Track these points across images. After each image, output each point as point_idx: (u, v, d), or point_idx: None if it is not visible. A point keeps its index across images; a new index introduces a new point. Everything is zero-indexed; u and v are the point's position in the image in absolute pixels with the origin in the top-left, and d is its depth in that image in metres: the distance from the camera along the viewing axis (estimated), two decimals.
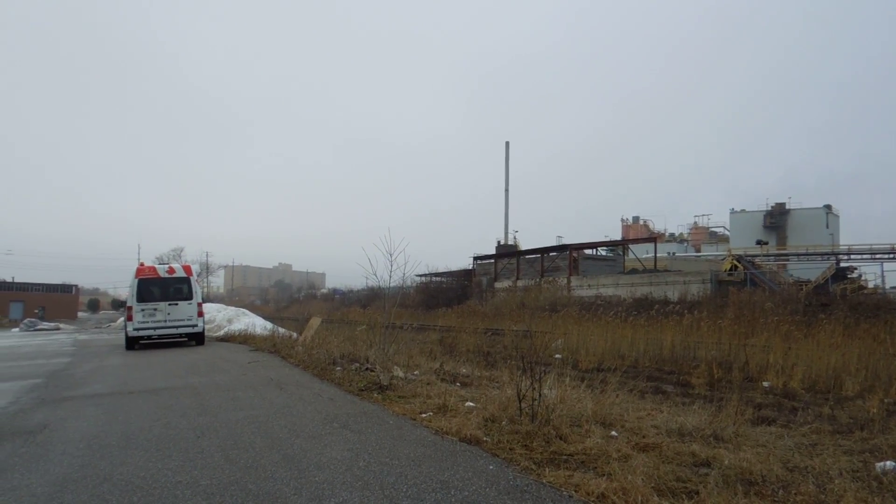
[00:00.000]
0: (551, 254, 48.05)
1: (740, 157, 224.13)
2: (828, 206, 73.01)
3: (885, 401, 8.90)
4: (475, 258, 57.22)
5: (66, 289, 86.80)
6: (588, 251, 50.15)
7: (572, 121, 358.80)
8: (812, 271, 48.42)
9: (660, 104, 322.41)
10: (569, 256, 45.49)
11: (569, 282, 42.30)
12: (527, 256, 51.05)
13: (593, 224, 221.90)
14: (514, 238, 69.91)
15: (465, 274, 57.17)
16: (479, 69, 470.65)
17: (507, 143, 71.38)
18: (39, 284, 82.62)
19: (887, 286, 38.43)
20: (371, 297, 53.95)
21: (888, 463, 4.65)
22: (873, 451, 5.41)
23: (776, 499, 3.87)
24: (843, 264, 48.74)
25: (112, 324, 50.75)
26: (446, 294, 51.34)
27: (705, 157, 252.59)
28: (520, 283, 46.20)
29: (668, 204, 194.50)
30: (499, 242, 66.56)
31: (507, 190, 70.43)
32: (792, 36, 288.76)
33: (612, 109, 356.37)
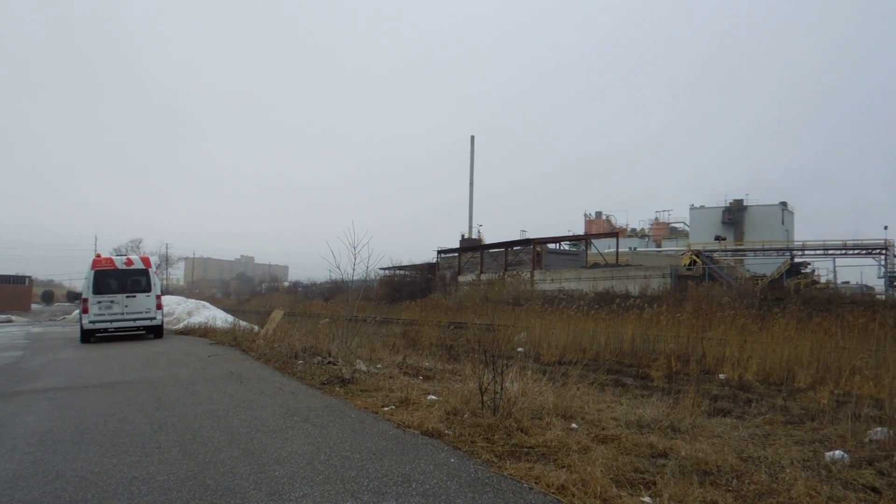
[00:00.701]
0: (515, 248, 48.38)
1: (705, 153, 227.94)
2: (783, 203, 74.85)
3: (835, 392, 9.18)
4: (439, 252, 57.33)
5: (18, 280, 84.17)
6: (551, 245, 50.62)
7: (546, 116, 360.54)
8: (768, 266, 49.76)
9: (625, 101, 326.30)
10: (532, 250, 45.84)
11: (532, 276, 42.65)
12: (491, 250, 51.32)
13: (556, 218, 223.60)
14: (478, 232, 70.31)
15: (429, 267, 57.22)
16: (435, 59, 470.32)
17: (472, 138, 71.80)
18: None
19: (839, 281, 39.74)
20: (334, 291, 53.67)
21: (837, 452, 4.79)
22: (823, 440, 5.57)
23: (730, 488, 3.96)
24: (797, 260, 50.21)
25: (67, 316, 49.43)
26: (410, 287, 51.33)
27: (670, 154, 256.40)
28: (483, 277, 46.44)
29: (632, 200, 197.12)
30: (462, 236, 66.86)
31: (471, 184, 70.78)
32: (760, 33, 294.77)
33: (588, 107, 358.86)
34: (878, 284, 45.96)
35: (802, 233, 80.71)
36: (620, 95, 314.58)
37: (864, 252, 54.83)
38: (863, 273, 52.61)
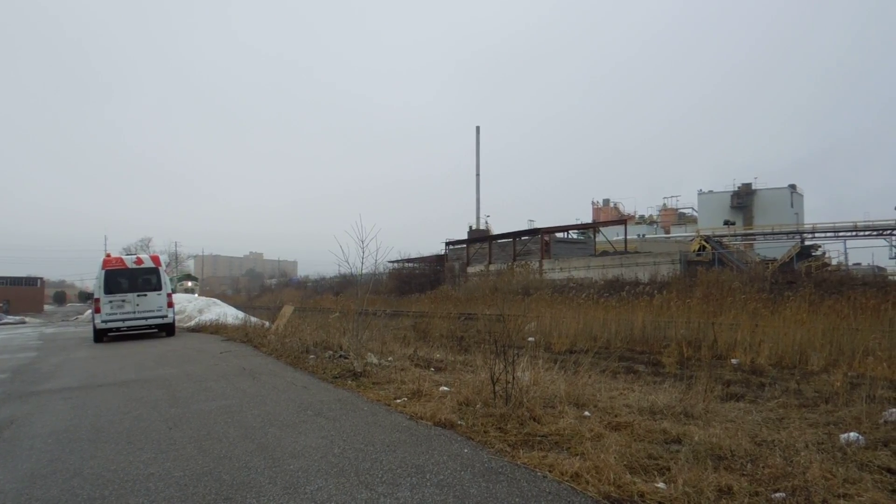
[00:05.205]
0: (523, 238, 48.29)
1: (731, 146, 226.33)
2: (792, 186, 74.36)
3: (849, 374, 9.12)
4: (447, 243, 57.27)
5: (30, 281, 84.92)
6: (559, 234, 50.50)
7: (551, 100, 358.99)
8: (778, 250, 49.39)
9: (637, 86, 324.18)
10: (541, 240, 45.75)
11: (541, 265, 42.60)
12: (499, 241, 51.24)
13: (563, 207, 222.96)
14: (486, 223, 70.29)
15: (438, 259, 57.24)
16: (461, 49, 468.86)
17: (478, 128, 71.50)
18: (3, 277, 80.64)
19: (850, 263, 39.49)
20: (344, 285, 53.77)
21: (852, 434, 4.78)
22: (837, 423, 5.55)
23: (745, 472, 3.95)
24: (807, 243, 49.83)
25: (79, 316, 49.83)
26: (419, 280, 51.45)
27: (683, 139, 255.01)
28: (492, 268, 46.39)
29: (643, 186, 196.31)
30: (470, 227, 66.81)
31: (478, 175, 70.59)
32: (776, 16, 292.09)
33: (619, 112, 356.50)
34: (890, 265, 45.84)
35: (817, 216, 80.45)
36: (650, 100, 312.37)
37: (874, 233, 54.46)
38: (874, 254, 52.19)
